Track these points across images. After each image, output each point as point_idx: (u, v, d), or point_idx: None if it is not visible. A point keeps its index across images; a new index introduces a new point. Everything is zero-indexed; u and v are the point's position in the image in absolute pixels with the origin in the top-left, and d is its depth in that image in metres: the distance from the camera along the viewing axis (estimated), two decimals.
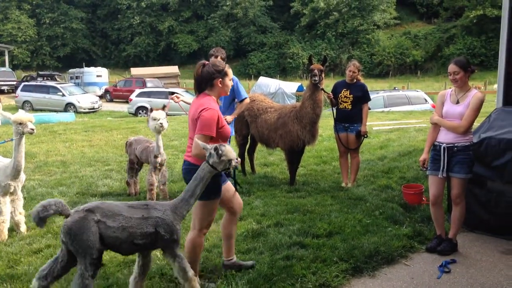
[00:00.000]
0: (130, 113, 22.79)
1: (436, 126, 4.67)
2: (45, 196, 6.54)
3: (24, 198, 5.61)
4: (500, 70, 5.86)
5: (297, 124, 6.76)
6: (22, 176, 5.08)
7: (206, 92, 3.73)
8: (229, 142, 5.18)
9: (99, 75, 35.18)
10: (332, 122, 7.18)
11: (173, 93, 20.24)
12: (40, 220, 3.07)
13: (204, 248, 4.37)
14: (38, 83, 28.09)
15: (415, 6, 54.16)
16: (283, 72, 49.01)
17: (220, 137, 3.64)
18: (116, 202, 3.43)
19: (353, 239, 4.70)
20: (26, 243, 4.82)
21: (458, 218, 4.66)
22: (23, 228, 5.16)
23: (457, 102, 4.53)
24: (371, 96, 7.28)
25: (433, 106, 17.76)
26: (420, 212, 5.58)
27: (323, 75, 6.58)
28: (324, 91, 6.73)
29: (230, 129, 3.84)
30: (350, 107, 6.76)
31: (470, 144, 4.53)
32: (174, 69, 39.89)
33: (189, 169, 3.65)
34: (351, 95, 6.74)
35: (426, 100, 19.99)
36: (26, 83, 29.10)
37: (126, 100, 25.96)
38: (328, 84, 7.87)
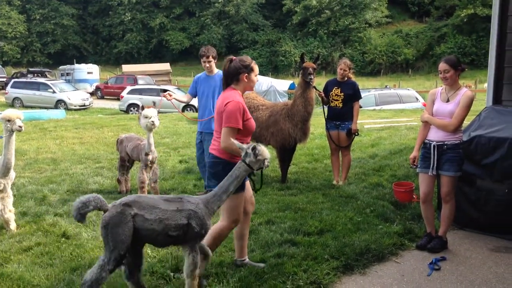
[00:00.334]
0: (121, 110, 22.68)
1: (427, 124, 4.69)
2: (35, 194, 6.50)
3: (14, 195, 5.57)
4: (490, 69, 5.90)
5: (288, 122, 6.77)
6: (12, 174, 5.04)
7: (232, 86, 3.81)
8: None
9: (90, 72, 34.99)
10: (323, 120, 7.20)
11: (165, 90, 20.19)
12: (81, 216, 3.13)
13: None
14: (28, 80, 27.75)
15: (407, 4, 54.47)
16: (275, 70, 49.07)
17: (246, 129, 3.70)
18: (151, 195, 3.57)
19: (344, 237, 4.71)
20: (16, 241, 4.77)
21: (448, 216, 4.69)
22: (13, 225, 5.12)
23: (447, 101, 4.56)
24: (363, 94, 7.31)
25: (424, 105, 17.80)
26: (411, 210, 5.61)
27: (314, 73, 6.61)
28: (316, 89, 6.75)
29: (254, 123, 3.90)
30: (341, 105, 6.77)
31: (460, 142, 4.56)
32: (165, 66, 39.63)
33: (214, 162, 3.73)
34: (342, 93, 6.74)
35: (417, 99, 20.12)
36: (16, 79, 28.79)
37: (117, 97, 25.83)
38: (319, 82, 7.88)
